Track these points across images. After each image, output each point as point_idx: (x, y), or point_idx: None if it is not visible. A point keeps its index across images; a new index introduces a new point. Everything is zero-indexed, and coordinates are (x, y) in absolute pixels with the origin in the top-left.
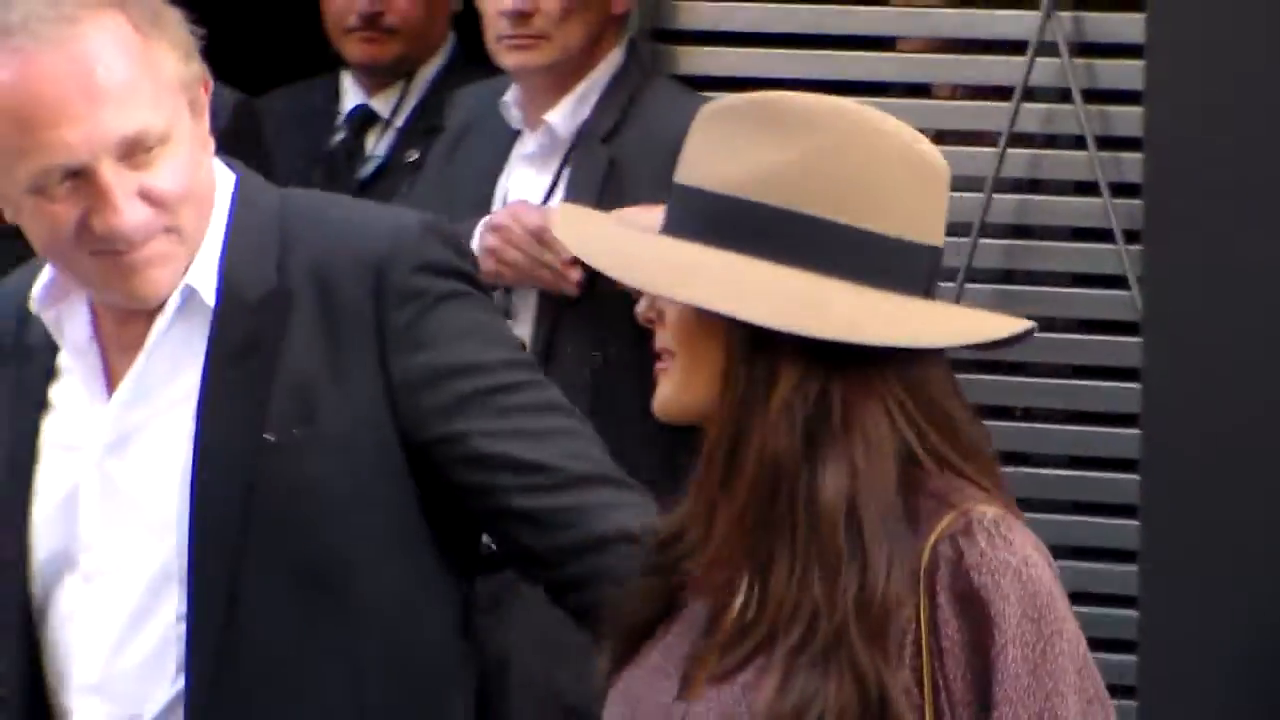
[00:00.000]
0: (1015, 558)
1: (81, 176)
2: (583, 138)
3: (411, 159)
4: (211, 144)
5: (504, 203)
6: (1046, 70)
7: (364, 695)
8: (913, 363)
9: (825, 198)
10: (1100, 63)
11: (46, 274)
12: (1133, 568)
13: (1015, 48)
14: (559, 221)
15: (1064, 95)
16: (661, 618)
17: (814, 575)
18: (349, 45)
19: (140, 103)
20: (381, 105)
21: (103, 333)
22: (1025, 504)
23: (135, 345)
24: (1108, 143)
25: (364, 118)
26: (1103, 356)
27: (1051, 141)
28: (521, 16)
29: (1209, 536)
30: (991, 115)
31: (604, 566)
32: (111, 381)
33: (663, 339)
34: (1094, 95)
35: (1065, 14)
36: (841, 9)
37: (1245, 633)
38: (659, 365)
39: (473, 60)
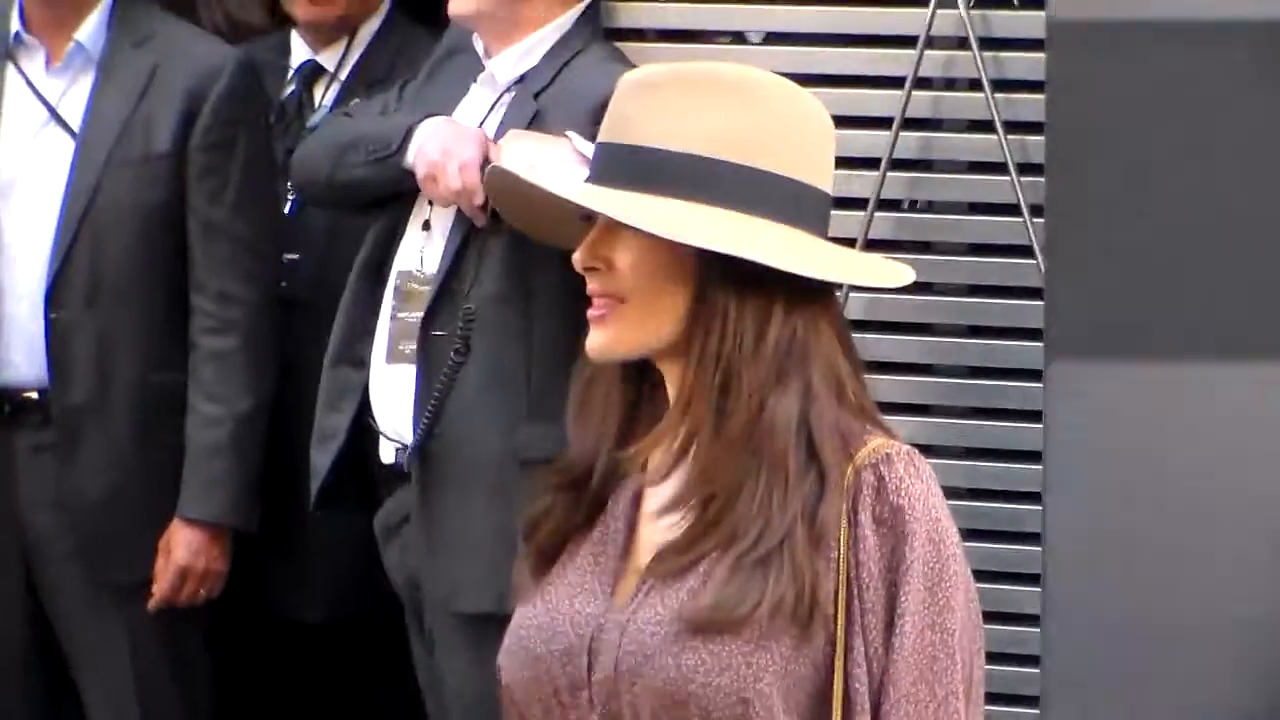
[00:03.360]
0: (925, 488)
1: None
2: (519, 89)
3: None
4: None
5: None
6: (946, 21)
7: None
8: (834, 300)
9: (772, 154)
10: (996, 13)
11: None
12: (1037, 506)
13: (919, 1)
14: (542, 176)
15: (962, 43)
16: (574, 535)
17: (771, 491)
18: (297, 6)
19: None
20: (327, 59)
21: None
22: (927, 450)
23: None
24: (1002, 85)
25: (312, 71)
26: (1001, 277)
27: (950, 85)
28: None
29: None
30: (898, 61)
31: None
32: None
33: (607, 284)
34: (990, 43)
35: None
36: None
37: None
38: (598, 310)
39: (409, 15)
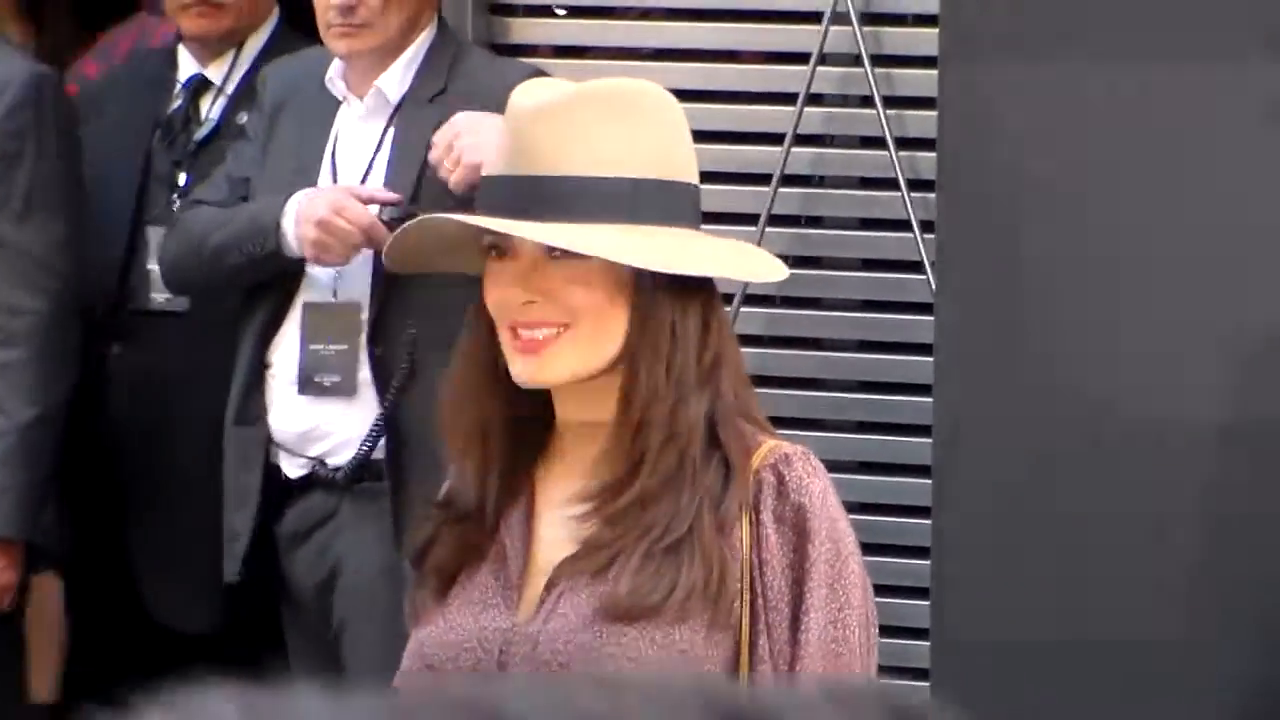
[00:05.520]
0: (823, 487)
1: None
2: (409, 100)
3: (242, 121)
4: None
5: (333, 165)
6: (839, 38)
7: None
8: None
9: (667, 163)
10: (889, 30)
11: None
12: (925, 522)
13: (812, 18)
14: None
15: (855, 60)
16: (470, 556)
17: (681, 484)
18: (184, 19)
19: None
20: (214, 73)
21: None
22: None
23: None
24: (894, 102)
25: (199, 85)
26: (891, 292)
27: (843, 101)
28: (348, 9)
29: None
30: (790, 78)
31: None
32: None
33: (549, 314)
34: (882, 60)
35: None
36: None
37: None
38: (533, 338)
39: (295, 29)
